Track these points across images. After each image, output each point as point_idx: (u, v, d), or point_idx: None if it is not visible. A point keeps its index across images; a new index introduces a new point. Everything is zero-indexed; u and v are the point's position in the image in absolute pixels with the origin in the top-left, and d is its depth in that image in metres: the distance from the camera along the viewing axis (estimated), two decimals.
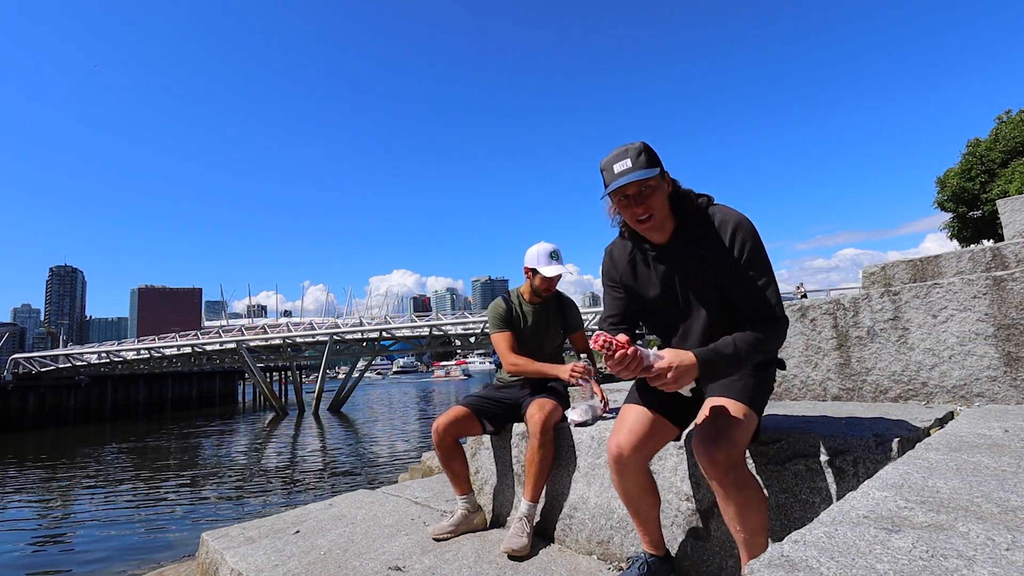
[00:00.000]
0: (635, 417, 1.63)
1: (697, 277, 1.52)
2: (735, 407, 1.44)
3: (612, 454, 1.62)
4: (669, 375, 1.32)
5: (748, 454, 1.63)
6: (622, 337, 1.34)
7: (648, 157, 1.46)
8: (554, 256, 2.63)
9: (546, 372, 2.52)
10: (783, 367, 1.67)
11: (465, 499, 2.47)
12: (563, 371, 2.47)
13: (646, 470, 1.64)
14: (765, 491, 1.52)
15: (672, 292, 1.57)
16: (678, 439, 1.77)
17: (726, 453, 1.35)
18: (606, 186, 1.48)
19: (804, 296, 29.93)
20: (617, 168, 1.44)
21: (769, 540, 1.37)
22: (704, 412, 1.48)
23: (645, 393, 1.64)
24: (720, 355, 1.37)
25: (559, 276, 2.63)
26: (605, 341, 1.32)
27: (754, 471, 1.64)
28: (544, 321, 2.71)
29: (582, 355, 2.83)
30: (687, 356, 1.34)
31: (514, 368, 2.60)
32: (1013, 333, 1.93)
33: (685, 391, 1.41)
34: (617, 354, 1.32)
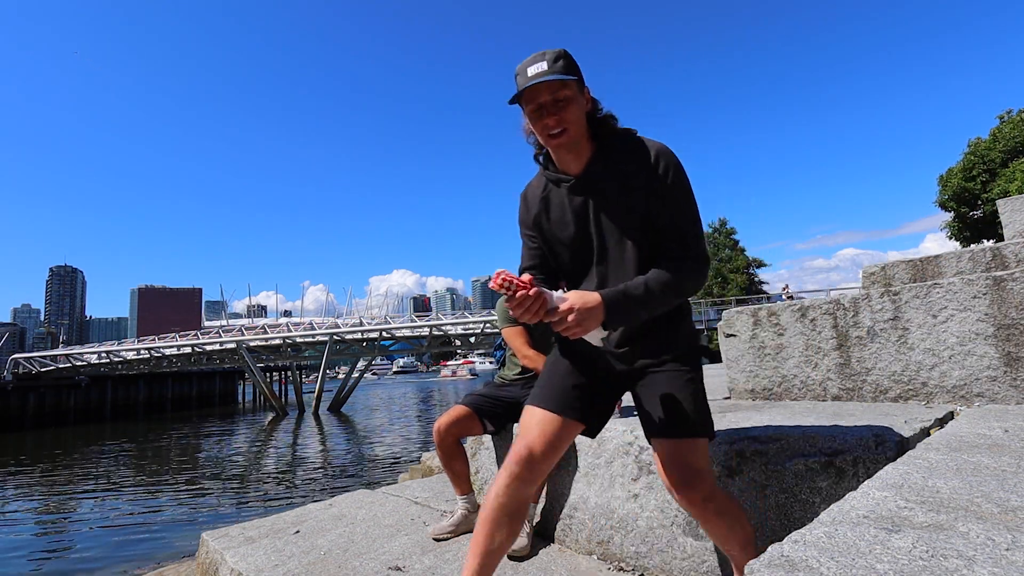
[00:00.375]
0: (542, 419, 1.38)
1: (619, 203, 1.33)
2: (693, 443, 1.32)
3: (522, 455, 1.31)
4: (570, 317, 1.18)
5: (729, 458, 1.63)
6: (526, 277, 1.19)
7: (567, 64, 1.29)
8: None
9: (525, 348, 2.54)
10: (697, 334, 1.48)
11: (465, 499, 2.47)
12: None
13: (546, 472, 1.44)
14: (741, 506, 1.44)
15: (586, 231, 1.37)
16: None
17: (702, 492, 1.28)
18: (519, 88, 1.30)
19: (790, 298, 29.93)
20: (531, 71, 1.26)
21: (756, 546, 1.34)
22: (662, 449, 1.33)
23: (550, 389, 1.42)
24: (629, 296, 1.23)
25: None
26: (504, 280, 1.17)
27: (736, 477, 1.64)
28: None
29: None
30: (591, 296, 1.21)
31: (528, 362, 2.57)
32: (1013, 333, 1.93)
33: (595, 339, 1.26)
34: (518, 294, 1.17)
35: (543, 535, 2.29)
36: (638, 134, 1.39)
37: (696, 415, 1.33)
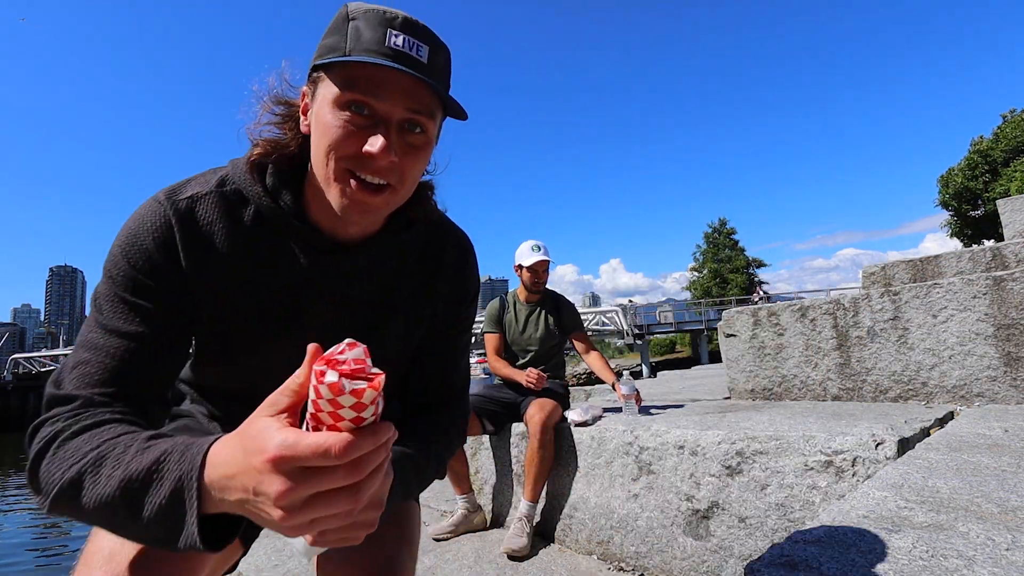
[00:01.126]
0: None
1: (390, 312, 0.80)
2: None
3: None
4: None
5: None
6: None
7: (448, 72, 0.70)
8: (536, 248, 2.71)
9: (513, 376, 2.59)
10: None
11: (465, 499, 2.47)
12: (520, 376, 2.52)
13: None
14: None
15: (302, 328, 0.75)
16: None
17: None
18: (345, 54, 0.62)
19: (766, 297, 29.90)
20: (398, 41, 0.62)
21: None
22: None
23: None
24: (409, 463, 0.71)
25: (543, 263, 2.71)
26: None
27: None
28: (539, 321, 2.73)
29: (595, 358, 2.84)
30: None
31: (493, 369, 2.72)
32: (1013, 333, 1.93)
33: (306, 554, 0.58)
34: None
35: (543, 535, 2.29)
36: (444, 220, 0.86)
37: None
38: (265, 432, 0.43)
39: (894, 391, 2.21)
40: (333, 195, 0.64)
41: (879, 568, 0.68)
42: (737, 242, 39.92)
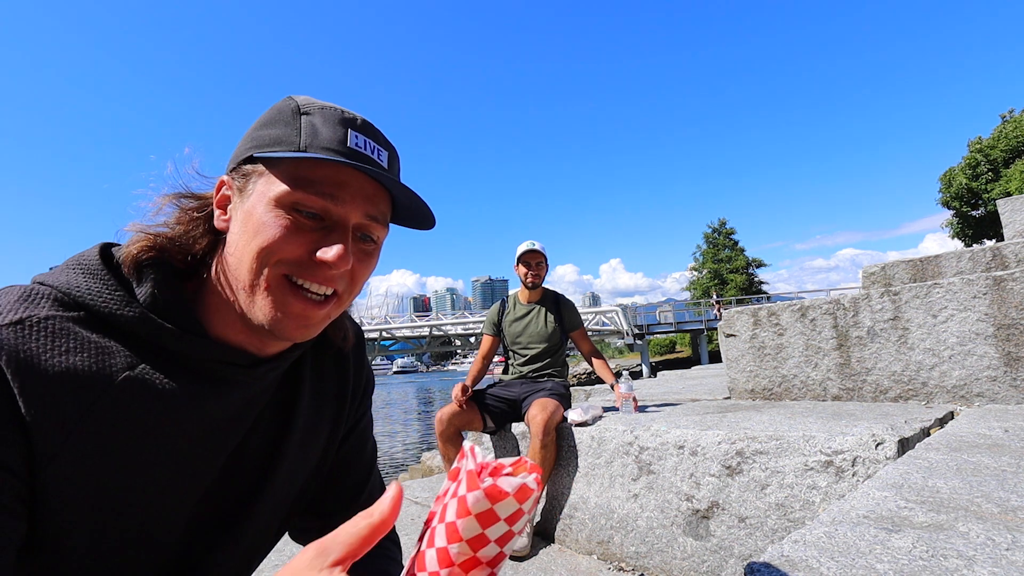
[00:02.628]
0: None
1: (301, 441, 0.67)
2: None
3: None
4: None
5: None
6: None
7: (398, 171, 0.64)
8: (530, 243, 2.76)
9: (468, 377, 2.71)
10: None
11: None
12: (462, 383, 2.57)
13: None
14: None
15: (233, 473, 0.61)
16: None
17: None
18: (298, 149, 0.54)
19: (720, 306, 29.83)
20: (359, 142, 0.57)
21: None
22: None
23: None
24: None
25: (534, 253, 2.74)
26: None
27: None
28: (539, 320, 2.75)
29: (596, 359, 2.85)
30: None
31: (474, 364, 2.86)
32: (1013, 333, 1.93)
33: None
34: None
35: (543, 535, 2.30)
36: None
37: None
38: None
39: (894, 391, 2.21)
40: (262, 306, 0.53)
41: (879, 568, 0.68)
42: (737, 242, 39.94)
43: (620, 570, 1.97)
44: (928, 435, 1.59)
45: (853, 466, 1.51)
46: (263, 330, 0.55)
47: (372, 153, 0.56)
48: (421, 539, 0.36)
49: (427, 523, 0.37)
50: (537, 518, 2.30)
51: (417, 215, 0.61)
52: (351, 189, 0.54)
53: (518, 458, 0.37)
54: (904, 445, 1.47)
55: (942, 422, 1.75)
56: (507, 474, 0.35)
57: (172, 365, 0.52)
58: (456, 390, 2.49)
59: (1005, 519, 0.80)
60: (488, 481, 0.33)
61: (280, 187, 0.52)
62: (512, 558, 2.10)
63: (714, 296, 31.36)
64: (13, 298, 0.48)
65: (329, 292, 0.56)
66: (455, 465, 0.36)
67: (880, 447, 1.47)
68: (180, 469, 0.53)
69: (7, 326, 0.45)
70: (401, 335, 35.88)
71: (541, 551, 2.17)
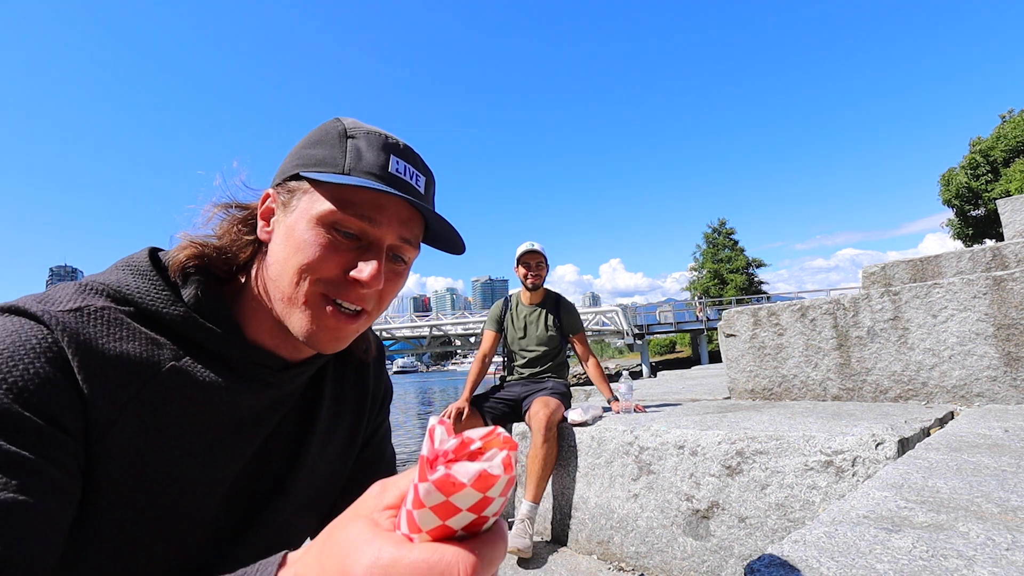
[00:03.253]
0: None
1: (330, 446, 0.71)
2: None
3: None
4: None
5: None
6: None
7: (433, 201, 0.67)
8: (529, 243, 2.76)
9: (465, 391, 2.62)
10: None
11: None
12: (456, 403, 2.53)
13: None
14: None
15: (257, 470, 0.63)
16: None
17: None
18: (343, 171, 0.57)
19: (704, 307, 29.70)
20: (399, 168, 0.59)
21: None
22: None
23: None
24: None
25: (534, 254, 2.73)
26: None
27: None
28: (537, 322, 2.75)
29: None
30: None
31: (471, 371, 2.79)
32: (1013, 333, 1.93)
33: None
34: None
35: (544, 535, 2.30)
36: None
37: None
38: (354, 545, 0.31)
39: (894, 391, 2.21)
40: (299, 319, 0.57)
41: (879, 568, 0.68)
42: (737, 242, 39.94)
43: (620, 570, 1.97)
44: (928, 435, 1.59)
45: (853, 466, 1.51)
46: (297, 339, 0.59)
47: (411, 178, 0.60)
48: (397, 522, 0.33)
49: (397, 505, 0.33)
50: (538, 519, 2.30)
51: (449, 240, 0.64)
52: (388, 213, 0.57)
53: (490, 428, 0.31)
54: (904, 445, 1.47)
55: (942, 422, 1.75)
56: (474, 451, 0.30)
57: (211, 361, 0.56)
58: (450, 410, 2.48)
59: (1005, 519, 0.80)
60: (440, 471, 0.28)
61: (323, 206, 0.55)
62: (517, 561, 2.10)
63: (697, 299, 31.38)
64: (71, 290, 0.53)
65: (359, 309, 0.59)
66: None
67: (880, 447, 1.48)
68: (211, 460, 0.55)
69: (68, 311, 0.49)
70: (401, 335, 35.90)
71: (541, 551, 2.17)
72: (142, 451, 0.50)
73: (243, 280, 0.62)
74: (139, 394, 0.50)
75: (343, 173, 0.56)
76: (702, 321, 29.48)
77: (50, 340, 0.47)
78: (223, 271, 0.61)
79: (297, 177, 0.58)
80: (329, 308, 0.57)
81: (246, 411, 0.59)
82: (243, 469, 0.60)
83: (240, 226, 0.62)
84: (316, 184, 0.56)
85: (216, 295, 0.58)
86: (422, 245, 0.64)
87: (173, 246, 0.60)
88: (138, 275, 0.56)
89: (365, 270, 0.56)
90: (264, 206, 0.61)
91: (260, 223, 0.61)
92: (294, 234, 0.56)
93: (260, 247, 0.62)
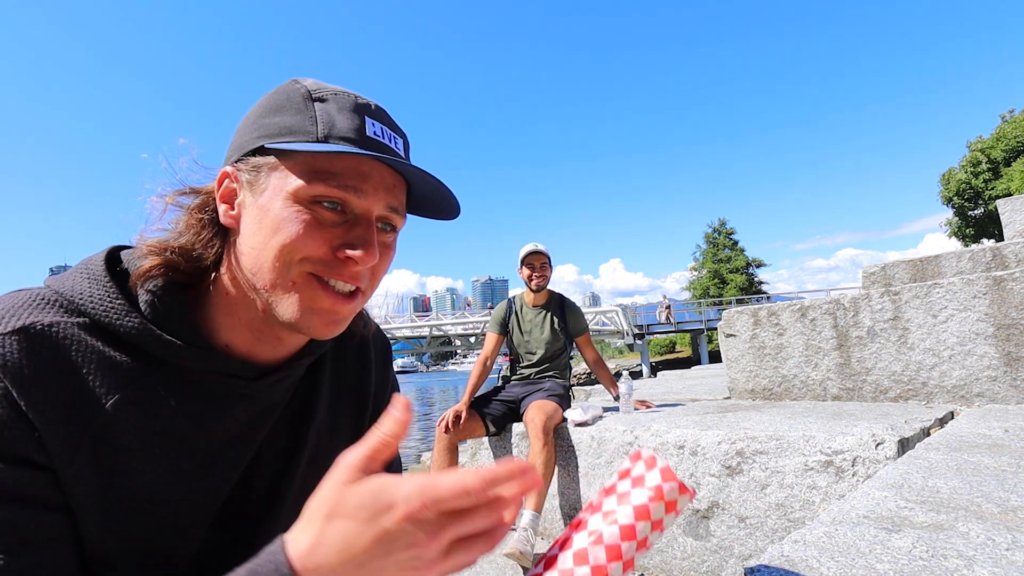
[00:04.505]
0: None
1: (322, 449, 0.66)
2: None
3: None
4: None
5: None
6: None
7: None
8: (533, 245, 2.74)
9: (465, 395, 2.60)
10: None
11: None
12: (456, 407, 2.52)
13: None
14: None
15: (246, 490, 0.59)
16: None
17: None
18: (316, 139, 0.51)
19: (668, 309, 29.45)
20: (376, 131, 0.54)
21: None
22: None
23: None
24: None
25: (538, 255, 2.72)
26: None
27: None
28: (542, 324, 2.74)
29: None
30: None
31: (473, 374, 2.74)
32: (1013, 333, 1.93)
33: None
34: None
35: (544, 535, 2.29)
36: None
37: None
38: (378, 492, 0.36)
39: (894, 391, 2.21)
40: (289, 305, 0.51)
41: (879, 568, 0.68)
42: (736, 242, 39.94)
43: None
44: (928, 435, 1.59)
45: (853, 466, 1.51)
46: (283, 330, 0.54)
47: (389, 141, 0.54)
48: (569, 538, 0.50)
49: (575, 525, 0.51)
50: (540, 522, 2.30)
51: (439, 204, 0.58)
52: (373, 180, 0.51)
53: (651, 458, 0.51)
54: (904, 445, 1.47)
55: (942, 422, 1.75)
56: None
57: (172, 379, 0.51)
58: (449, 417, 2.45)
59: (1005, 519, 0.80)
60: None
61: (298, 181, 0.49)
62: (515, 558, 2.10)
63: (662, 299, 31.30)
64: (19, 302, 0.47)
65: (354, 288, 0.54)
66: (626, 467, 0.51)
67: (880, 447, 1.47)
68: (189, 490, 0.51)
69: (11, 333, 0.44)
70: (401, 335, 35.88)
71: (541, 551, 2.17)
72: (104, 490, 0.46)
73: (208, 279, 0.55)
74: (88, 431, 0.45)
75: (317, 141, 0.50)
76: (672, 324, 29.24)
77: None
78: (190, 273, 0.54)
79: (262, 151, 0.51)
80: (323, 288, 0.51)
81: (220, 436, 0.53)
82: (233, 489, 0.55)
83: (199, 215, 0.54)
84: (285, 156, 0.50)
85: (176, 301, 0.52)
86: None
87: (135, 248, 0.54)
88: (92, 280, 0.50)
89: (358, 246, 0.51)
90: (223, 188, 0.53)
91: (222, 207, 0.53)
92: (269, 214, 0.50)
93: (227, 237, 0.54)
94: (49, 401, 0.44)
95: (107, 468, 0.46)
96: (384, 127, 0.54)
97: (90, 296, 0.49)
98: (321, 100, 0.52)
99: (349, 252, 0.51)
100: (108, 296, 0.49)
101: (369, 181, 0.51)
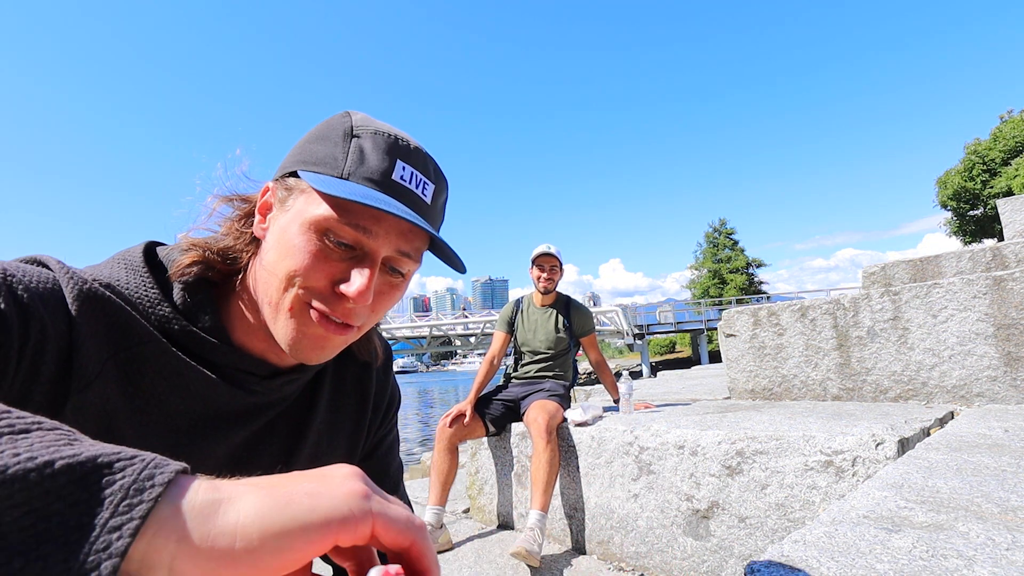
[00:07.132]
0: None
1: (321, 449, 0.69)
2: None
3: None
4: None
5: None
6: None
7: (443, 212, 0.64)
8: (545, 246, 2.75)
9: (471, 393, 2.62)
10: None
11: (435, 511, 2.37)
12: (461, 405, 2.54)
13: None
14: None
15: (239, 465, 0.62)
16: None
17: None
18: (341, 175, 0.53)
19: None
20: (405, 175, 0.55)
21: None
22: None
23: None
24: None
25: (548, 257, 2.72)
26: None
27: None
28: (546, 323, 2.74)
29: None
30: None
31: (480, 373, 2.76)
32: (1013, 333, 1.93)
33: None
34: None
35: (547, 536, 2.29)
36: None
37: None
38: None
39: (894, 391, 2.21)
40: (283, 327, 0.53)
41: (879, 568, 0.68)
42: (736, 242, 39.96)
43: (620, 570, 1.97)
44: (928, 435, 1.59)
45: (853, 466, 1.51)
46: (274, 344, 0.56)
47: (416, 186, 0.55)
48: None
49: None
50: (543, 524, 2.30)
51: (450, 258, 0.59)
52: (386, 224, 0.52)
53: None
54: (904, 445, 1.47)
55: (942, 422, 1.75)
56: None
57: (195, 359, 0.54)
58: (452, 413, 2.46)
59: (1005, 519, 0.80)
60: None
61: (317, 210, 0.51)
62: (521, 559, 2.10)
63: (625, 308, 31.34)
64: (62, 270, 0.50)
65: (348, 324, 0.55)
66: None
67: (880, 447, 1.47)
68: (176, 446, 0.52)
69: (66, 275, 0.47)
70: (401, 335, 35.88)
71: (547, 552, 2.17)
72: (112, 414, 0.48)
73: (239, 279, 0.58)
74: (117, 355, 0.49)
75: (340, 176, 0.52)
76: (642, 328, 29.00)
77: (54, 282, 0.47)
78: (223, 273, 0.57)
79: (296, 174, 0.54)
80: (315, 315, 0.53)
81: (223, 406, 0.56)
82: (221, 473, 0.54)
83: (244, 222, 0.59)
84: (312, 183, 0.52)
85: (205, 297, 0.55)
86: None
87: (175, 244, 0.58)
88: (130, 270, 0.53)
89: (353, 285, 0.52)
90: (263, 200, 0.57)
91: (257, 218, 0.57)
92: (285, 236, 0.53)
93: (258, 245, 0.57)
94: (91, 320, 0.47)
95: (124, 393, 0.49)
96: (416, 172, 0.55)
97: (127, 283, 0.52)
98: (358, 137, 0.54)
99: (343, 289, 0.52)
100: (144, 285, 0.53)
101: (382, 224, 0.52)
